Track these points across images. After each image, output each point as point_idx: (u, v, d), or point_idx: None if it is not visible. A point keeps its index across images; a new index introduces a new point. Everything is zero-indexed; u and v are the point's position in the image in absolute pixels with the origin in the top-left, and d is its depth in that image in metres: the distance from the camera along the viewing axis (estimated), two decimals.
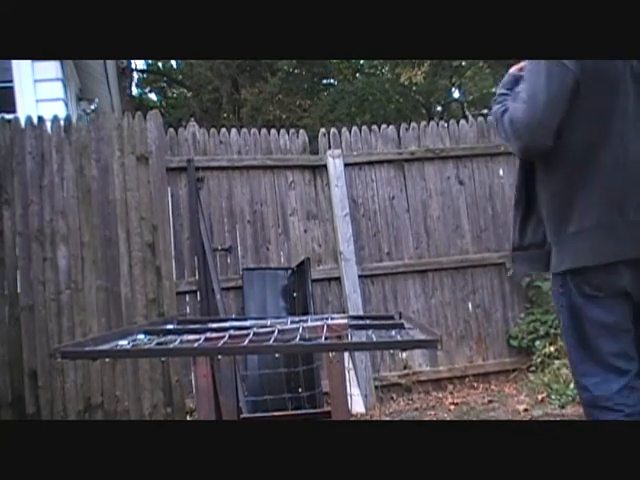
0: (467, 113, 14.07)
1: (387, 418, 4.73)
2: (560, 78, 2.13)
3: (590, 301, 2.12)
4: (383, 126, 5.79)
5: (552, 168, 2.13)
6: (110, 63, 8.28)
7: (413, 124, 5.84)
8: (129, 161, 4.92)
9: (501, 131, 2.20)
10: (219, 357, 2.60)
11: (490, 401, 4.87)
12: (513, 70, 2.41)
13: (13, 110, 6.09)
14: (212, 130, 5.41)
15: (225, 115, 13.84)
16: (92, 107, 8.29)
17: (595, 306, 2.12)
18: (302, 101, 12.95)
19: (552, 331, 5.15)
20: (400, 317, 2.80)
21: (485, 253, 5.67)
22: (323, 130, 5.71)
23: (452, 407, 4.83)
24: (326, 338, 2.30)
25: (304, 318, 2.72)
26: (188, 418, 4.74)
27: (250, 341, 2.26)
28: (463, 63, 11.67)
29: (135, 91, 15.70)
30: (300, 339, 2.25)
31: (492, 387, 5.34)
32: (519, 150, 2.14)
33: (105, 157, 4.90)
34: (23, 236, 4.70)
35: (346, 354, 2.52)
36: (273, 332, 2.36)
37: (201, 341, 2.27)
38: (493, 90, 13.10)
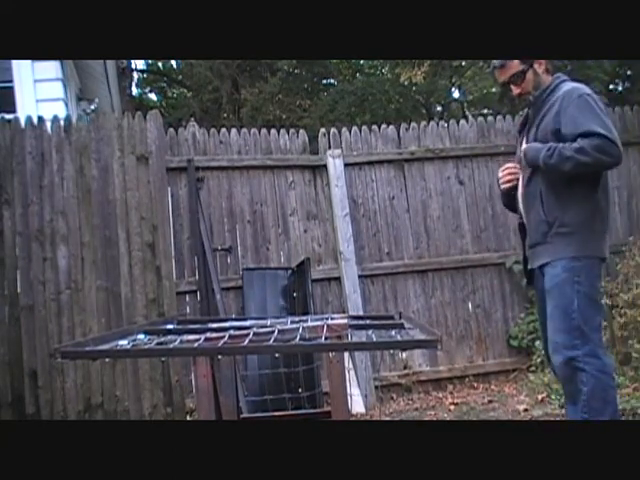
0: (467, 113, 14.06)
1: (387, 418, 4.73)
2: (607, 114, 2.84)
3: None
4: (383, 126, 5.78)
5: (590, 191, 2.87)
6: (110, 63, 8.27)
7: (413, 124, 5.83)
8: (129, 161, 4.92)
9: (590, 158, 2.74)
10: (219, 357, 2.60)
11: (490, 401, 4.87)
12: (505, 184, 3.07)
13: (13, 110, 6.08)
14: (212, 130, 5.41)
15: (225, 115, 13.82)
16: (92, 107, 8.28)
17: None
18: (302, 101, 12.91)
19: None
20: (400, 317, 2.80)
21: (485, 253, 5.67)
22: (323, 130, 5.70)
23: (452, 407, 4.83)
24: (326, 338, 2.30)
25: (304, 318, 2.72)
26: (188, 418, 4.74)
27: (250, 341, 2.26)
28: (463, 63, 11.64)
29: (135, 91, 15.69)
30: (300, 339, 2.25)
31: (492, 387, 5.34)
32: (618, 161, 2.87)
33: (105, 157, 4.90)
34: (23, 236, 4.70)
35: (346, 354, 2.52)
36: (273, 332, 2.36)
37: (201, 341, 2.27)
38: (493, 90, 13.10)
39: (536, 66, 2.95)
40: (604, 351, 2.86)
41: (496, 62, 3.03)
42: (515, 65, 2.95)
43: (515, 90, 3.01)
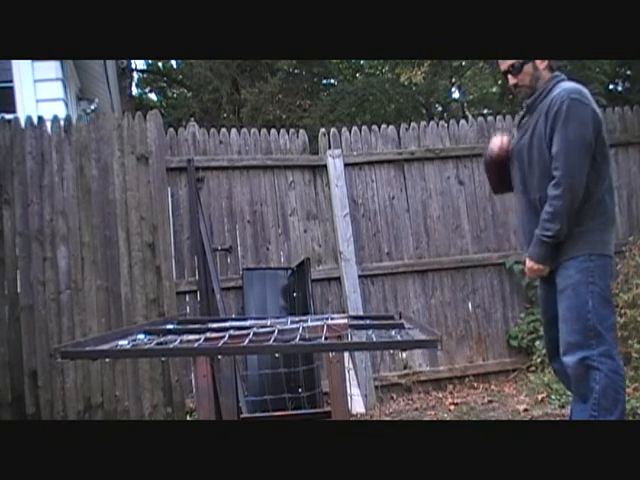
0: (467, 113, 14.06)
1: (387, 418, 4.73)
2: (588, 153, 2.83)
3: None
4: (383, 126, 5.78)
5: (595, 189, 2.86)
6: (110, 63, 8.27)
7: (413, 124, 5.83)
8: (129, 161, 4.92)
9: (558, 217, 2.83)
10: (219, 357, 2.60)
11: (490, 401, 4.87)
12: None
13: (13, 110, 6.09)
14: (212, 130, 5.40)
15: (225, 115, 13.82)
16: (92, 107, 8.29)
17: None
18: (302, 101, 12.90)
19: None
20: (400, 317, 2.80)
21: (485, 253, 5.66)
22: (323, 130, 5.70)
23: (452, 407, 4.83)
24: (326, 338, 2.30)
25: (304, 318, 2.72)
26: (188, 418, 4.74)
27: (250, 341, 2.26)
28: (463, 63, 11.65)
29: (135, 91, 15.70)
30: (300, 339, 2.25)
31: (492, 387, 5.33)
32: (576, 189, 2.83)
33: (105, 157, 4.90)
34: (23, 236, 4.70)
35: (346, 354, 2.52)
36: (273, 332, 2.36)
37: (201, 341, 2.27)
38: (493, 90, 13.11)
39: (538, 61, 2.95)
40: (617, 352, 2.87)
41: None
42: None
43: (512, 80, 3.04)
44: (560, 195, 2.77)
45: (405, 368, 5.40)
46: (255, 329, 2.46)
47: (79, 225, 4.80)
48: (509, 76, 3.04)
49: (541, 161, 2.89)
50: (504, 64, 3.03)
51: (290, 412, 4.13)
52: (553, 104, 2.83)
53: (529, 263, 2.94)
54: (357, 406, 4.78)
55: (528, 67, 2.96)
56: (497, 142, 3.11)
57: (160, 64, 16.13)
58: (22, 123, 4.83)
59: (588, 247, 2.83)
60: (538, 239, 2.86)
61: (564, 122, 2.79)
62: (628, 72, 9.55)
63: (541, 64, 2.96)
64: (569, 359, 2.82)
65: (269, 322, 2.70)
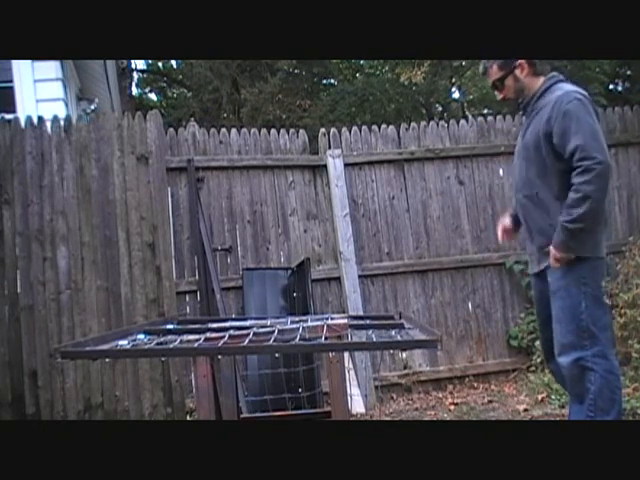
0: (467, 113, 14.06)
1: (387, 418, 4.73)
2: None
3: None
4: (383, 126, 5.78)
5: None
6: (110, 63, 8.27)
7: (413, 124, 5.83)
8: (129, 161, 4.92)
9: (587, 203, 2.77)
10: (219, 357, 2.60)
11: (490, 401, 4.87)
12: None
13: (13, 110, 6.09)
14: (212, 130, 5.40)
15: (225, 115, 13.82)
16: (92, 107, 8.29)
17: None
18: (302, 101, 12.90)
19: None
20: (400, 317, 2.81)
21: (485, 253, 5.66)
22: (323, 130, 5.70)
23: (452, 407, 4.83)
24: (326, 338, 2.30)
25: (304, 318, 2.73)
26: (188, 418, 4.74)
27: (250, 341, 2.26)
28: (463, 63, 11.64)
29: (135, 91, 15.70)
30: (300, 339, 2.25)
31: (492, 387, 5.33)
32: (605, 169, 2.76)
33: (105, 157, 4.90)
34: (23, 236, 4.70)
35: (346, 354, 2.52)
36: (273, 332, 2.36)
37: (201, 341, 2.27)
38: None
39: (517, 72, 2.98)
40: (613, 352, 2.86)
41: (480, 68, 3.12)
42: (494, 72, 3.04)
43: (499, 95, 3.11)
44: (590, 180, 2.71)
45: (405, 368, 5.40)
46: (255, 329, 2.46)
47: (79, 225, 4.80)
48: (496, 91, 3.10)
49: (538, 158, 2.89)
50: (489, 80, 3.08)
51: (290, 412, 4.13)
52: (558, 103, 2.83)
53: (553, 251, 2.86)
54: (357, 406, 4.78)
55: (509, 80, 3.00)
56: None
57: (160, 64, 16.13)
58: (22, 123, 4.83)
59: (581, 249, 2.83)
60: (561, 226, 2.79)
61: (578, 119, 2.78)
62: (628, 72, 9.55)
63: (521, 73, 2.98)
64: (564, 360, 2.82)
65: (269, 322, 2.70)
